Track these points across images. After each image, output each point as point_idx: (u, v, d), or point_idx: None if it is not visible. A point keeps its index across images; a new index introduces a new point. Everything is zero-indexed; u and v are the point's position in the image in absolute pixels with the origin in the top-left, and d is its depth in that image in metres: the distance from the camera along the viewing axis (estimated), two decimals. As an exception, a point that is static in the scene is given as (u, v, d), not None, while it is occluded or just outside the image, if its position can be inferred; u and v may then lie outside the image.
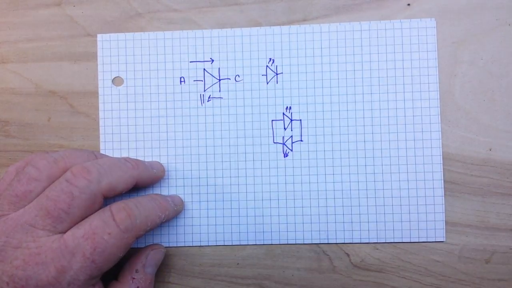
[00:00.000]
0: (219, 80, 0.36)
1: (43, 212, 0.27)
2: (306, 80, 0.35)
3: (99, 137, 0.36)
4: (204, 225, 0.35)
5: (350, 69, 0.35)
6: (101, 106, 0.36)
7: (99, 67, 0.36)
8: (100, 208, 0.30)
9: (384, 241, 0.35)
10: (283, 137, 0.36)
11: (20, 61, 0.37)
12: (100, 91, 0.36)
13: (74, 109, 0.36)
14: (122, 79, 0.36)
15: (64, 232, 0.28)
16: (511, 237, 0.34)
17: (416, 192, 0.35)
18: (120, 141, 0.36)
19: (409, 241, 0.35)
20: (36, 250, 0.27)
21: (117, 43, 0.36)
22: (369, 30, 0.35)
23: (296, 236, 0.35)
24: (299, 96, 0.35)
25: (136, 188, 0.35)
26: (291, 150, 0.35)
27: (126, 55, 0.36)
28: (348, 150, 0.35)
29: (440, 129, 0.35)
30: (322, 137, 0.35)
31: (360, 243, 0.35)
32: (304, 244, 0.35)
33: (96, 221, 0.28)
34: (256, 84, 0.36)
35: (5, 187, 0.29)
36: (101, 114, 0.36)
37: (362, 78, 0.35)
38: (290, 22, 0.36)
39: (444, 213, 0.34)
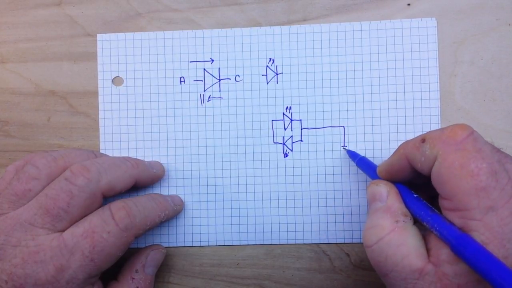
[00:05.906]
0: (219, 80, 0.36)
1: (42, 210, 0.27)
2: (306, 80, 0.35)
3: (99, 137, 0.36)
4: (204, 225, 0.35)
5: (350, 69, 0.35)
6: (101, 106, 0.36)
7: (99, 67, 0.36)
8: (99, 207, 0.30)
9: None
10: (283, 137, 0.35)
11: (20, 61, 0.36)
12: (100, 91, 0.36)
13: (74, 109, 0.36)
14: (122, 79, 0.36)
15: (63, 230, 0.28)
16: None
17: (417, 192, 0.35)
18: (120, 141, 0.36)
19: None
20: (35, 249, 0.27)
21: (117, 43, 0.36)
22: (369, 30, 0.35)
23: (296, 236, 0.35)
24: (299, 96, 0.35)
25: (136, 188, 0.35)
26: (291, 150, 0.35)
27: (126, 55, 0.36)
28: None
29: (440, 129, 0.35)
30: (322, 137, 0.35)
31: (360, 243, 0.35)
32: (304, 244, 0.35)
33: (95, 220, 0.28)
34: (256, 84, 0.36)
35: (4, 186, 0.29)
36: (101, 114, 0.36)
37: (362, 78, 0.35)
38: (290, 22, 0.36)
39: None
